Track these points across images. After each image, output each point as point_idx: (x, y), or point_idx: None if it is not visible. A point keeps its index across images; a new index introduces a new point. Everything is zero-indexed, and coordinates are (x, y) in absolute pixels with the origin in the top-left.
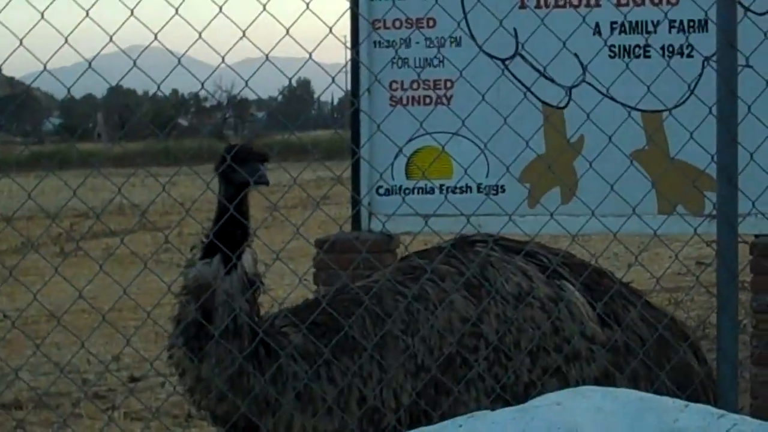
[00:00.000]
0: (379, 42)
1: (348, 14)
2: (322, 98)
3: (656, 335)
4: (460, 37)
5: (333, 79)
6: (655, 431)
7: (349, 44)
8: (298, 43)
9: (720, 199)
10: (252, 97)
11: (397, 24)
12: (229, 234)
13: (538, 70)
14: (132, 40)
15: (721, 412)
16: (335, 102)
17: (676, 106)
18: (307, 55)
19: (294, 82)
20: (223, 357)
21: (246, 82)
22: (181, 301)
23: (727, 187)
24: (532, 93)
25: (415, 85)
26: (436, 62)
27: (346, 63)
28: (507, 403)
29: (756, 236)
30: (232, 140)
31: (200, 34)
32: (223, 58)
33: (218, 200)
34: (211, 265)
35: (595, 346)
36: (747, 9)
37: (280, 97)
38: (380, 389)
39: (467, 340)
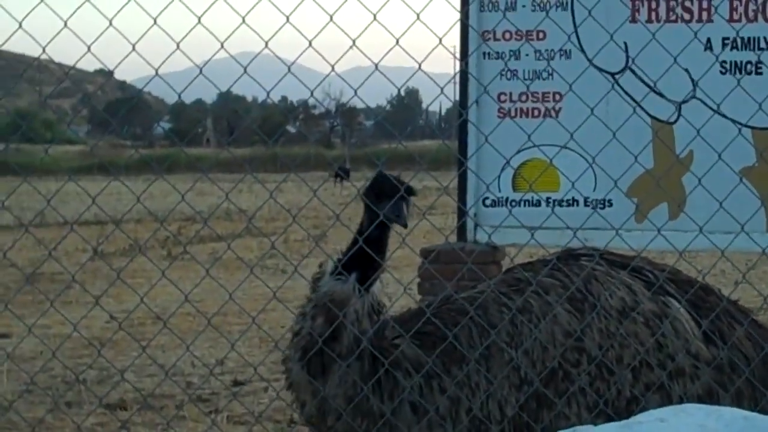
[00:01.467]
0: (489, 53)
1: (458, 25)
2: (430, 108)
3: (762, 354)
4: (570, 50)
5: (442, 89)
6: None
7: (458, 55)
8: (407, 53)
9: None
10: (360, 105)
11: (507, 36)
12: (367, 257)
13: (647, 85)
14: (243, 46)
15: None
16: (443, 112)
17: None
18: (416, 65)
19: (402, 92)
20: (346, 377)
21: (355, 91)
22: (304, 313)
23: None
24: (641, 107)
25: (523, 98)
26: (545, 75)
27: (455, 74)
28: (608, 418)
29: None
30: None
31: (310, 42)
32: (332, 67)
33: (361, 221)
34: (346, 283)
35: (699, 363)
36: None
37: (388, 107)
38: (486, 400)
39: (570, 354)
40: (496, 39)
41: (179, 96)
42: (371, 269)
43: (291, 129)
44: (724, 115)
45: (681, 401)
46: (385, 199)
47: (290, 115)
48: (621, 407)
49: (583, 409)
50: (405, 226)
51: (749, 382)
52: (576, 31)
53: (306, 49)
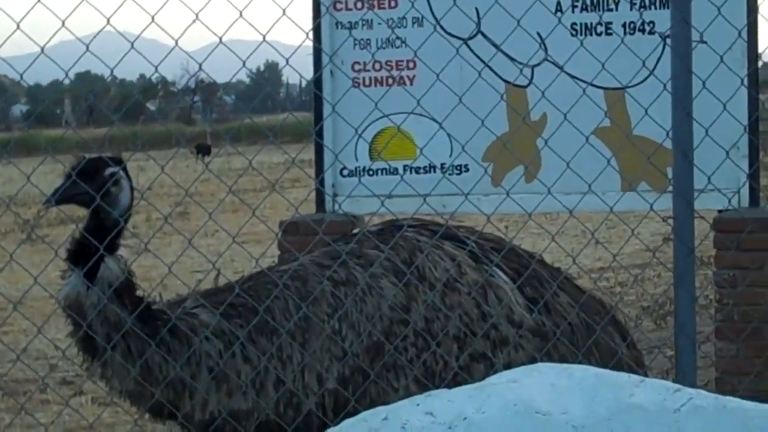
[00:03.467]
0: (341, 23)
1: None
2: (292, 81)
3: (584, 321)
4: (422, 18)
5: (287, 61)
6: (610, 406)
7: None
8: (252, 26)
9: (676, 175)
10: (220, 80)
11: (359, 5)
12: (91, 245)
13: (498, 48)
14: (94, 27)
15: (677, 386)
16: (303, 85)
17: (635, 84)
18: (270, 37)
19: (262, 66)
20: (129, 356)
21: (200, 65)
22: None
23: (682, 163)
24: (494, 72)
25: (377, 66)
26: (398, 43)
27: (299, 45)
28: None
29: (719, 211)
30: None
31: (153, 17)
32: (176, 42)
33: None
34: (69, 284)
35: (523, 332)
36: None
37: (248, 81)
38: (302, 373)
39: (396, 327)
40: (348, 8)
41: (21, 77)
42: (92, 256)
43: (151, 107)
44: (573, 76)
45: (506, 369)
46: (89, 182)
47: (149, 93)
48: (448, 378)
49: (410, 382)
50: (46, 204)
51: (573, 349)
52: None
53: (149, 24)
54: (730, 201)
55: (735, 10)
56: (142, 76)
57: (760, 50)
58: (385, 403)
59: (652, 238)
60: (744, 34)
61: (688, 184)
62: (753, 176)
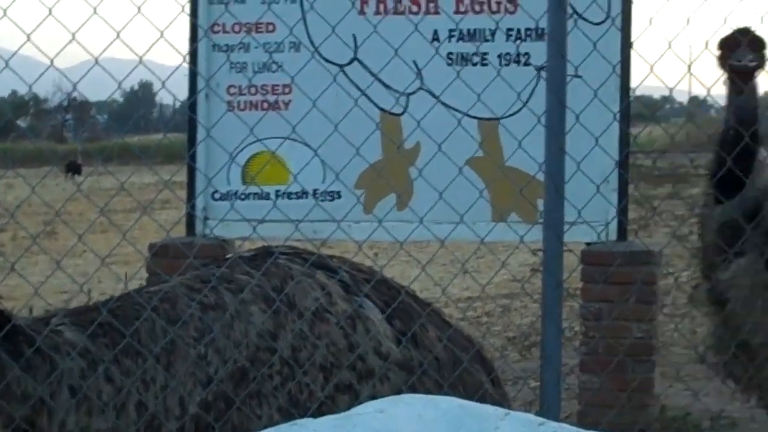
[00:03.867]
0: (218, 46)
1: (188, 18)
2: (166, 101)
3: (451, 355)
4: (299, 43)
5: (163, 84)
6: None
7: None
8: (127, 46)
9: (547, 208)
10: (93, 99)
11: (237, 28)
12: None
13: (374, 75)
14: None
15: (542, 420)
16: (177, 105)
17: (509, 115)
18: (151, 59)
19: (136, 85)
20: None
21: (74, 85)
22: None
23: (554, 196)
24: (369, 99)
25: (252, 90)
26: (274, 67)
27: (176, 68)
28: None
29: (587, 244)
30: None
31: (29, 36)
32: (52, 61)
33: None
34: None
35: (389, 364)
36: (582, 18)
37: (121, 100)
38: (164, 396)
39: (262, 354)
40: (225, 31)
41: None
42: None
43: (21, 124)
44: (448, 106)
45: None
46: None
47: (20, 110)
48: (312, 408)
49: (274, 410)
50: None
51: (438, 383)
52: (305, 22)
53: (24, 42)
54: (599, 235)
55: (609, 44)
56: (13, 92)
57: (632, 85)
58: (248, 430)
59: (519, 269)
60: (618, 69)
61: (559, 218)
62: (622, 210)
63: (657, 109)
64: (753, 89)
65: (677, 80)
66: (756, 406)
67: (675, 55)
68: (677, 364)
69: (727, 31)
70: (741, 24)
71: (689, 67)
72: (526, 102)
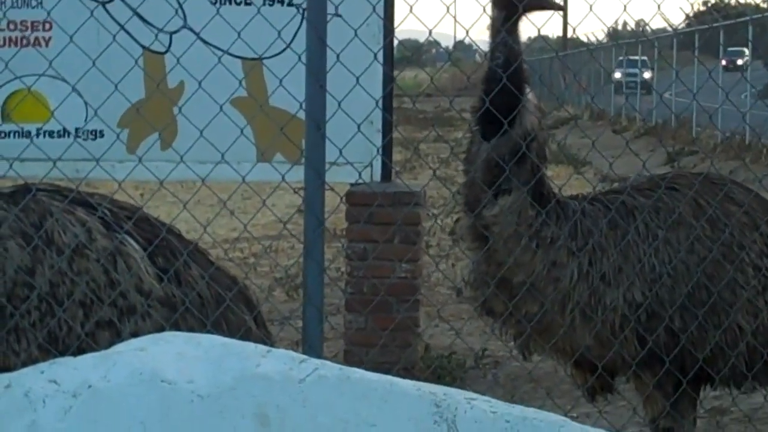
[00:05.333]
0: None
1: None
2: None
3: (215, 294)
4: None
5: None
6: (236, 376)
7: None
8: None
9: (308, 147)
10: None
11: None
12: None
13: (135, 12)
14: None
15: (303, 357)
16: None
17: (273, 55)
18: None
19: None
20: None
21: None
22: None
23: (314, 135)
24: (131, 36)
25: (11, 26)
26: (33, 3)
27: None
28: (60, 355)
29: (351, 185)
30: None
31: None
32: None
33: None
34: None
35: (152, 301)
36: None
37: None
38: None
39: (19, 290)
40: None
41: None
42: None
43: None
44: (210, 44)
45: (133, 338)
46: None
47: None
48: (72, 344)
49: (33, 346)
50: None
51: (202, 322)
52: None
53: None
54: (360, 174)
55: None
56: None
57: (396, 26)
58: (7, 367)
59: (287, 210)
60: (380, 10)
61: (320, 157)
62: (385, 151)
63: (423, 53)
64: (519, 30)
65: (437, 23)
66: (513, 343)
67: None
68: (441, 304)
69: None
70: None
71: (448, 9)
72: (291, 42)
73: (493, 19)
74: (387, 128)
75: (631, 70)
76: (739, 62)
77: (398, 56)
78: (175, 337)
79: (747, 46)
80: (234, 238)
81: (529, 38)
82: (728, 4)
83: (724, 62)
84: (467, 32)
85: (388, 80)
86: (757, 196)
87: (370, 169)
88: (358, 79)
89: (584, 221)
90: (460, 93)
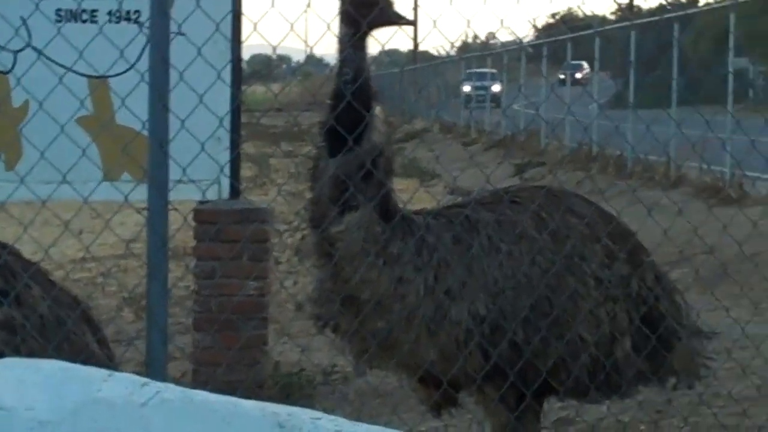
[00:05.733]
0: None
1: None
2: None
3: (56, 315)
4: None
5: None
6: (77, 401)
7: None
8: None
9: (151, 166)
10: None
11: None
12: None
13: None
14: None
15: (145, 380)
16: None
17: (119, 73)
18: None
19: None
20: None
21: None
22: None
23: (157, 154)
24: None
25: None
26: None
27: None
28: None
29: (199, 202)
30: None
31: None
32: None
33: None
34: None
35: None
36: None
37: None
38: None
39: None
40: None
41: None
42: None
43: None
44: (57, 63)
45: None
46: None
47: None
48: None
49: None
50: None
51: (43, 343)
52: None
53: None
54: (204, 193)
55: (217, 1)
56: None
57: (243, 41)
58: None
59: (136, 228)
60: (227, 26)
61: (163, 176)
62: (233, 168)
63: (274, 67)
64: (366, 46)
65: (281, 39)
66: (354, 360)
67: (280, 14)
68: (290, 321)
69: None
70: None
71: (292, 26)
72: (138, 59)
73: (341, 36)
74: (234, 145)
75: (481, 83)
76: (578, 75)
77: (249, 71)
78: (15, 363)
79: (588, 59)
80: (81, 258)
81: (379, 52)
82: (576, 16)
83: (562, 76)
84: (311, 48)
85: (234, 97)
86: (598, 208)
87: (218, 187)
88: (201, 97)
89: (429, 237)
90: (309, 108)
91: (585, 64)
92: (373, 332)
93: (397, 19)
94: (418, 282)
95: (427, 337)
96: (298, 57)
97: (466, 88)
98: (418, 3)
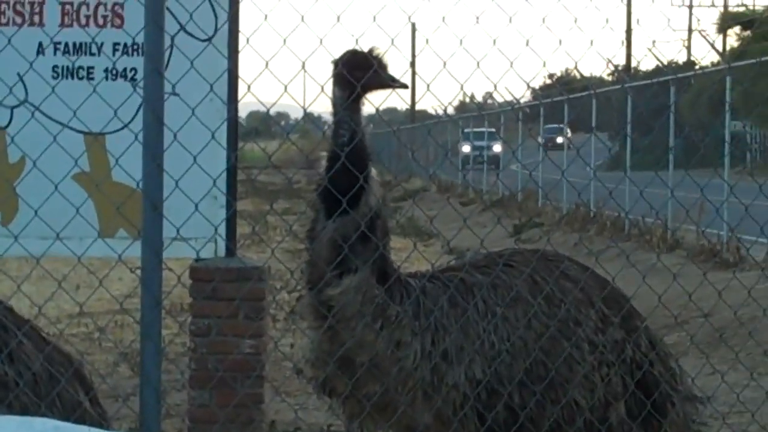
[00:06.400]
0: None
1: None
2: None
3: (48, 372)
4: None
5: None
6: None
7: None
8: None
9: (145, 226)
10: None
11: None
12: None
13: None
14: None
15: None
16: None
17: (115, 130)
18: None
19: None
20: None
21: None
22: None
23: (151, 214)
24: None
25: None
26: None
27: None
28: None
29: (195, 260)
30: None
31: None
32: None
33: None
34: None
35: None
36: (188, 34)
37: None
38: None
39: None
40: None
41: None
42: None
43: None
44: (53, 119)
45: None
46: None
47: None
48: None
49: None
50: None
51: (36, 400)
52: None
53: None
54: (197, 253)
55: (213, 61)
56: None
57: (248, 100)
58: None
59: (133, 284)
60: (223, 85)
61: (157, 236)
62: (229, 226)
63: (273, 124)
64: (361, 108)
65: (276, 99)
66: (348, 421)
67: (271, 73)
68: (286, 379)
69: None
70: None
71: (286, 88)
72: (134, 116)
73: (335, 98)
74: (230, 204)
75: (479, 143)
76: (559, 140)
77: (248, 128)
78: (8, 421)
79: (585, 120)
80: (77, 313)
81: (376, 110)
82: (573, 77)
83: (541, 140)
84: (305, 110)
85: (230, 155)
86: (592, 273)
87: (214, 245)
88: (195, 158)
89: (426, 300)
90: (305, 166)
91: (567, 128)
92: (368, 395)
93: (392, 83)
94: (416, 345)
95: (423, 400)
96: (296, 114)
97: (465, 149)
98: (415, 63)
